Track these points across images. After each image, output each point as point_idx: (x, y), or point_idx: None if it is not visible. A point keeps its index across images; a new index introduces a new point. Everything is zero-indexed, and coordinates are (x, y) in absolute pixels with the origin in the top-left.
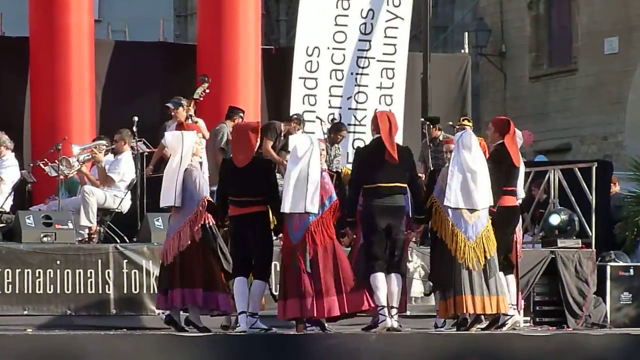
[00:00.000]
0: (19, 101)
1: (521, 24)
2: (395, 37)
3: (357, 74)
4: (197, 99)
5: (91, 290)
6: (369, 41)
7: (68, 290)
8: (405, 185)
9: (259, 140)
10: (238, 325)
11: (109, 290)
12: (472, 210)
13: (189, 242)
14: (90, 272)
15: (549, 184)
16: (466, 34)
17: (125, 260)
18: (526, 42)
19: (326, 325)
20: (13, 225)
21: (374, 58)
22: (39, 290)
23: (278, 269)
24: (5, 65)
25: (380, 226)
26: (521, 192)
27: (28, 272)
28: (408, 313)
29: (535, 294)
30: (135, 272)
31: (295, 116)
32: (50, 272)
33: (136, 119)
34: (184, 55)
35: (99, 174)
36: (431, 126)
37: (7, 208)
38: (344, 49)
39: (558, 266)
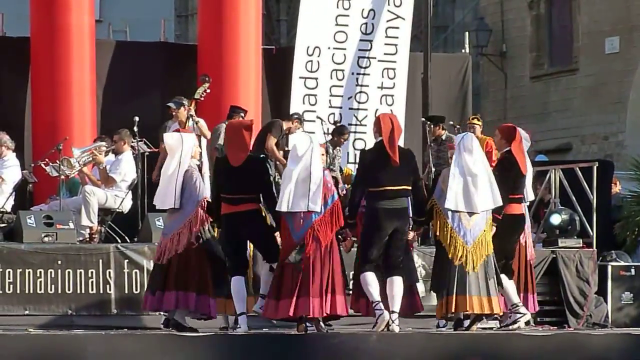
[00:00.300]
0: (20, 101)
1: (522, 24)
2: (397, 37)
3: (358, 74)
4: (198, 99)
5: (92, 290)
6: (370, 41)
7: (69, 290)
8: (409, 187)
9: (252, 138)
10: (238, 326)
11: (110, 290)
12: (471, 214)
13: (190, 243)
14: (91, 272)
15: (550, 183)
16: (467, 33)
17: (126, 260)
18: (527, 41)
19: (322, 324)
20: (14, 225)
21: (375, 58)
22: (40, 290)
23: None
24: (6, 66)
25: (386, 229)
26: (530, 195)
27: (29, 272)
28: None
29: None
30: (136, 272)
31: (295, 115)
32: (51, 272)
33: (137, 119)
34: (185, 55)
35: (101, 175)
36: (432, 125)
37: (8, 208)
38: (344, 49)
39: (559, 266)
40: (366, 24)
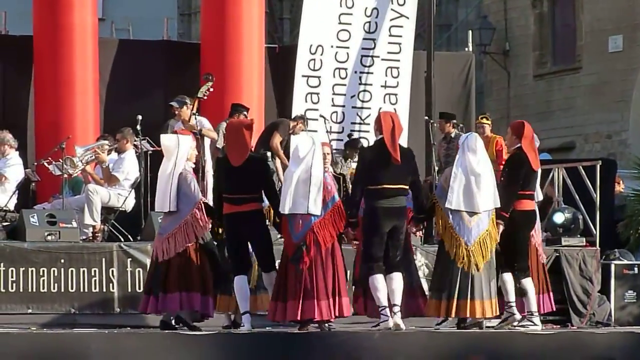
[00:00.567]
0: (23, 100)
1: (525, 22)
2: (400, 36)
3: (361, 72)
4: (201, 98)
5: (95, 288)
6: (374, 40)
7: (72, 288)
8: (408, 186)
9: (253, 137)
10: (242, 325)
11: (113, 288)
12: (472, 214)
13: (187, 245)
14: (94, 271)
15: (553, 182)
16: (470, 32)
17: (129, 259)
18: (530, 40)
19: (325, 324)
20: (17, 224)
21: (378, 57)
22: (43, 288)
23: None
24: (9, 64)
25: (384, 228)
26: (539, 194)
27: (32, 271)
28: None
29: None
30: (139, 271)
31: (300, 116)
32: (54, 271)
33: (140, 117)
34: (188, 53)
35: (104, 174)
36: (444, 122)
37: (11, 207)
38: (347, 48)
39: (562, 265)
40: (369, 22)
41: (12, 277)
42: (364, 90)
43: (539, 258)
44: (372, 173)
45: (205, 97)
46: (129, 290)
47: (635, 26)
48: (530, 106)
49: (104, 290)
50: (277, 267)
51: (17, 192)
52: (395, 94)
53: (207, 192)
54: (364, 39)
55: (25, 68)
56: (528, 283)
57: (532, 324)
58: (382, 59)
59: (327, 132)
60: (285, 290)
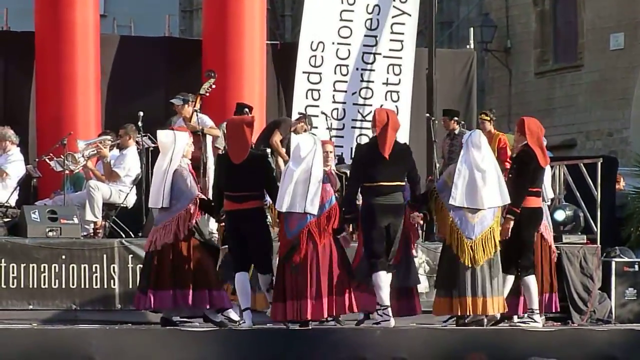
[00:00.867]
0: (25, 96)
1: (527, 20)
2: (402, 33)
3: (362, 69)
4: (203, 95)
5: (96, 285)
6: (375, 37)
7: (73, 285)
8: (404, 183)
9: (254, 135)
10: (243, 321)
11: (114, 285)
12: (475, 210)
13: (179, 240)
14: (96, 267)
15: (554, 179)
16: (471, 29)
17: (130, 255)
18: (531, 37)
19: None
20: (18, 220)
21: (380, 54)
22: (44, 285)
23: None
24: (10, 60)
25: (382, 224)
26: (549, 192)
27: (33, 267)
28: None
29: None
30: (140, 267)
31: (302, 116)
32: (55, 267)
33: (141, 114)
34: (190, 50)
35: (105, 169)
36: (448, 119)
37: (12, 203)
38: (349, 44)
39: (563, 262)
40: (371, 19)
41: (13, 273)
42: (366, 88)
43: (552, 256)
44: (368, 170)
45: (207, 94)
46: (130, 286)
47: (636, 24)
48: (531, 104)
49: (105, 286)
50: (272, 269)
51: (18, 188)
52: (397, 92)
53: (208, 190)
54: (365, 35)
55: (26, 64)
56: (531, 280)
57: (532, 321)
58: (384, 56)
59: (327, 128)
60: (284, 290)
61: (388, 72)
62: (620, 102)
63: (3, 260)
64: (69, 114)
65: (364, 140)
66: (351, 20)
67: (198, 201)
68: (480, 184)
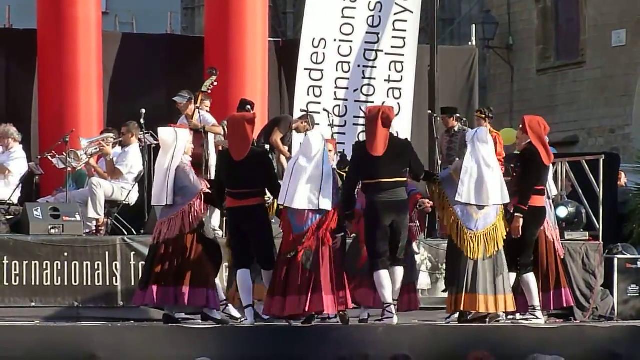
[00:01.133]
0: (27, 93)
1: (528, 17)
2: (405, 31)
3: (364, 66)
4: (205, 92)
5: (98, 282)
6: (377, 34)
7: (75, 282)
8: (405, 179)
9: (255, 132)
10: (245, 318)
11: (116, 282)
12: (480, 207)
13: (184, 235)
14: (98, 264)
15: (557, 176)
16: (473, 26)
17: (132, 253)
18: (533, 34)
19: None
20: (21, 217)
21: (382, 51)
22: (47, 282)
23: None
24: (13, 58)
25: (385, 221)
26: (553, 189)
27: (36, 264)
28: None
29: None
30: (142, 264)
31: (305, 115)
32: (57, 264)
33: (144, 111)
34: (192, 47)
35: (107, 167)
36: (447, 117)
37: (14, 200)
38: (350, 41)
39: (565, 259)
40: (373, 16)
41: (15, 270)
42: (368, 85)
43: (558, 253)
44: (365, 168)
45: (209, 91)
46: (133, 283)
47: (638, 20)
48: (533, 100)
49: (108, 283)
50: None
51: (20, 185)
52: (399, 89)
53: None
54: (367, 32)
55: (29, 62)
56: (530, 278)
57: (535, 317)
58: (386, 53)
59: (329, 125)
60: (285, 284)
61: (390, 69)
62: (622, 99)
63: (5, 258)
64: (71, 111)
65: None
66: (353, 17)
67: (203, 196)
68: (487, 180)
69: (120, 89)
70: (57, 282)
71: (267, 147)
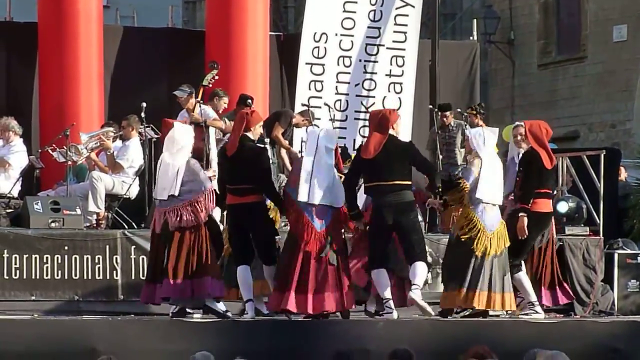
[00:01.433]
0: (28, 87)
1: (530, 12)
2: (406, 25)
3: (365, 61)
4: (206, 86)
5: (99, 276)
6: (379, 28)
7: (76, 275)
8: (409, 182)
9: (247, 127)
10: (245, 312)
11: (116, 276)
12: (494, 205)
13: (200, 226)
14: (98, 258)
15: (557, 171)
16: (475, 21)
17: (133, 246)
18: (535, 29)
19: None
20: (21, 211)
21: (383, 45)
22: (47, 275)
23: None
24: (13, 51)
25: (388, 223)
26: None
27: (36, 258)
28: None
29: None
30: (143, 258)
31: (306, 111)
32: (58, 258)
33: (144, 104)
34: (193, 41)
35: (108, 161)
36: (440, 113)
37: (15, 194)
38: (352, 36)
39: (566, 254)
40: (374, 10)
41: (15, 264)
42: (369, 79)
43: (555, 252)
44: (359, 170)
45: (210, 85)
46: (133, 277)
47: None
48: (534, 95)
49: (108, 277)
50: (276, 260)
51: (21, 179)
52: (400, 83)
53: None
54: (368, 27)
55: (29, 55)
56: (522, 276)
57: (534, 312)
58: (387, 48)
59: (330, 120)
60: (314, 282)
61: (391, 64)
62: (623, 94)
63: (6, 251)
64: (72, 105)
65: (367, 131)
66: (354, 12)
67: (212, 192)
68: (500, 178)
69: (121, 82)
70: (58, 275)
71: (267, 140)
